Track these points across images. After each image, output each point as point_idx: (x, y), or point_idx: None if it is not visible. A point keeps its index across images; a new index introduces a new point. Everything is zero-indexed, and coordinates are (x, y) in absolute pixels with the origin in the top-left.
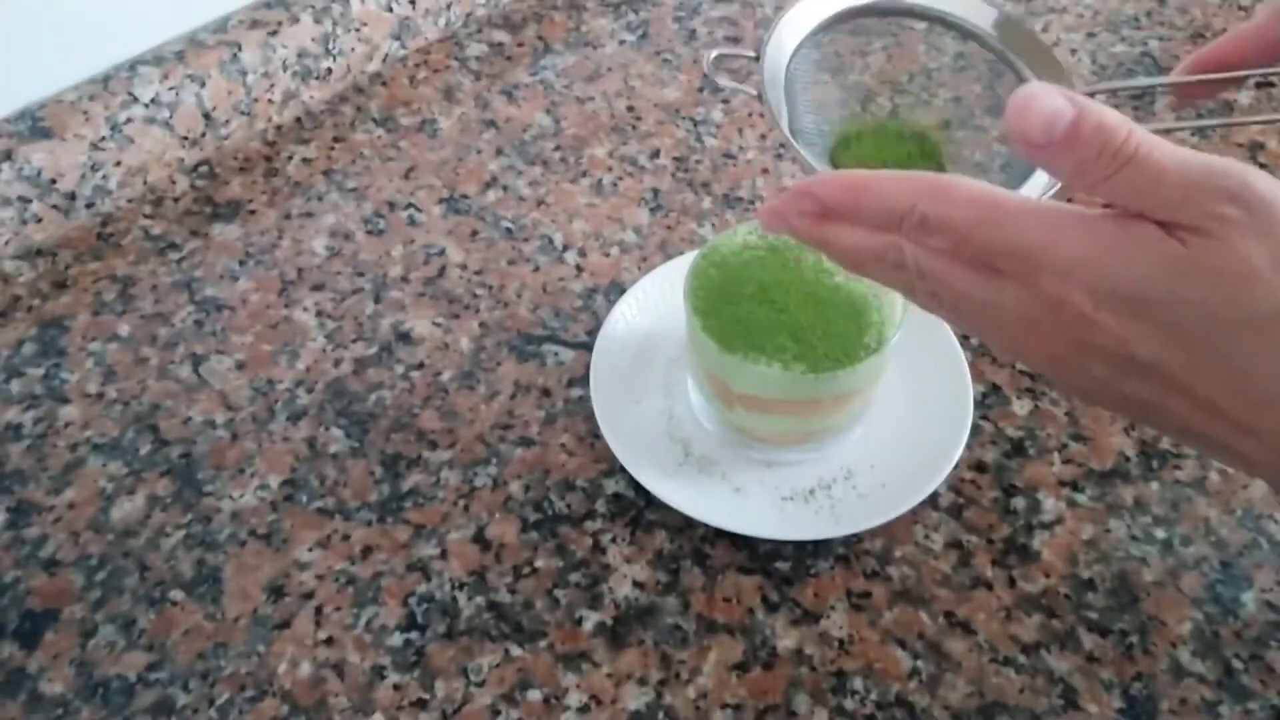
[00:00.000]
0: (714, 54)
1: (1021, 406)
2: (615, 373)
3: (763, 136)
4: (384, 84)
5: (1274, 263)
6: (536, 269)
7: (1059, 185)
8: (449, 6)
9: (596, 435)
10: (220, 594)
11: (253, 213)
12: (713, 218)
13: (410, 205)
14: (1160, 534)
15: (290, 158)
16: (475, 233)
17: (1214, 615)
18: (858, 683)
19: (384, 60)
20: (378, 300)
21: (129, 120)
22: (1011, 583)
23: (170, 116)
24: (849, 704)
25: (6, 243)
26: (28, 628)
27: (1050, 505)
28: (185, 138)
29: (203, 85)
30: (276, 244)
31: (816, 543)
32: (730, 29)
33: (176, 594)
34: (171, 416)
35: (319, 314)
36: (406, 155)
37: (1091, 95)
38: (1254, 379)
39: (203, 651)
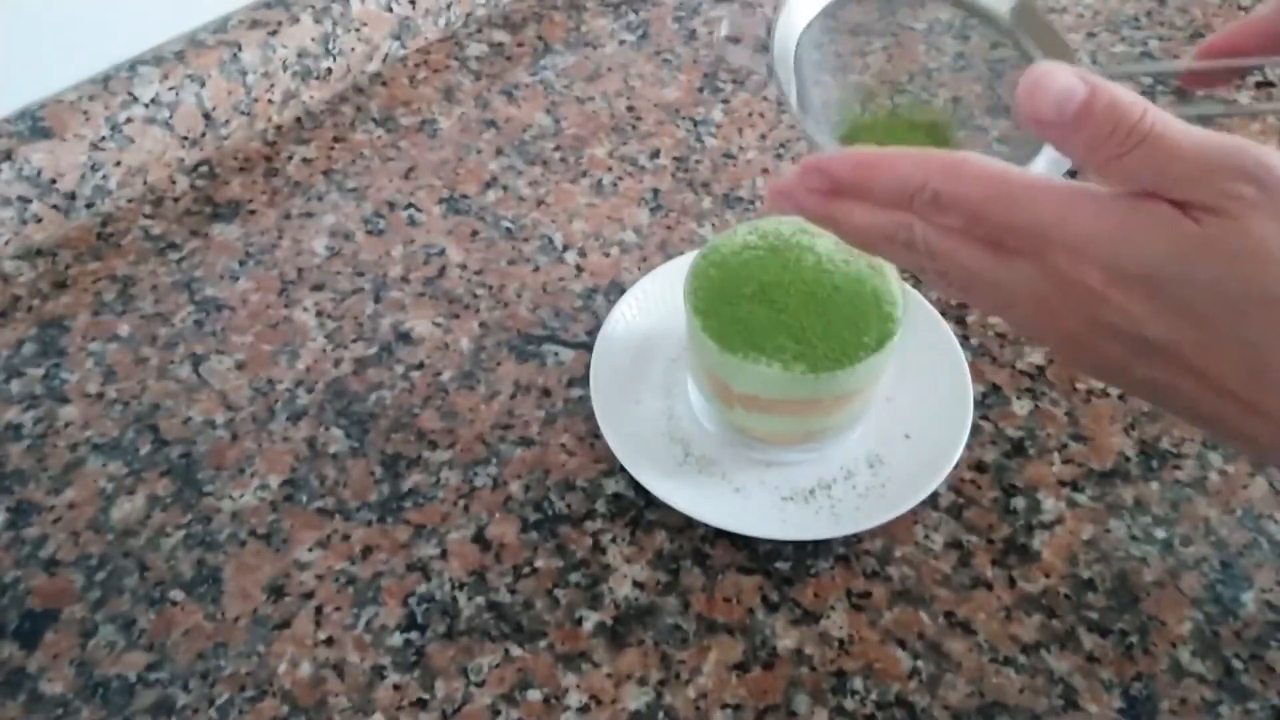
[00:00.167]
0: (724, 31)
1: (1021, 406)
2: (615, 373)
3: (763, 136)
4: (384, 84)
5: None
6: (536, 269)
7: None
8: (449, 6)
9: (596, 435)
10: (220, 594)
11: (253, 213)
12: (713, 218)
13: (410, 205)
14: (1160, 534)
15: (290, 158)
16: (475, 233)
17: (1214, 615)
18: (858, 683)
19: (384, 60)
20: (378, 300)
21: (129, 120)
22: (1011, 583)
23: (170, 116)
24: (849, 704)
25: (6, 243)
26: (28, 628)
27: (1050, 505)
28: (185, 138)
29: (203, 85)
30: (276, 244)
31: (816, 543)
32: (731, 29)
33: (176, 594)
34: (171, 416)
35: (319, 314)
36: (406, 155)
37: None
38: (1266, 360)
39: (203, 651)
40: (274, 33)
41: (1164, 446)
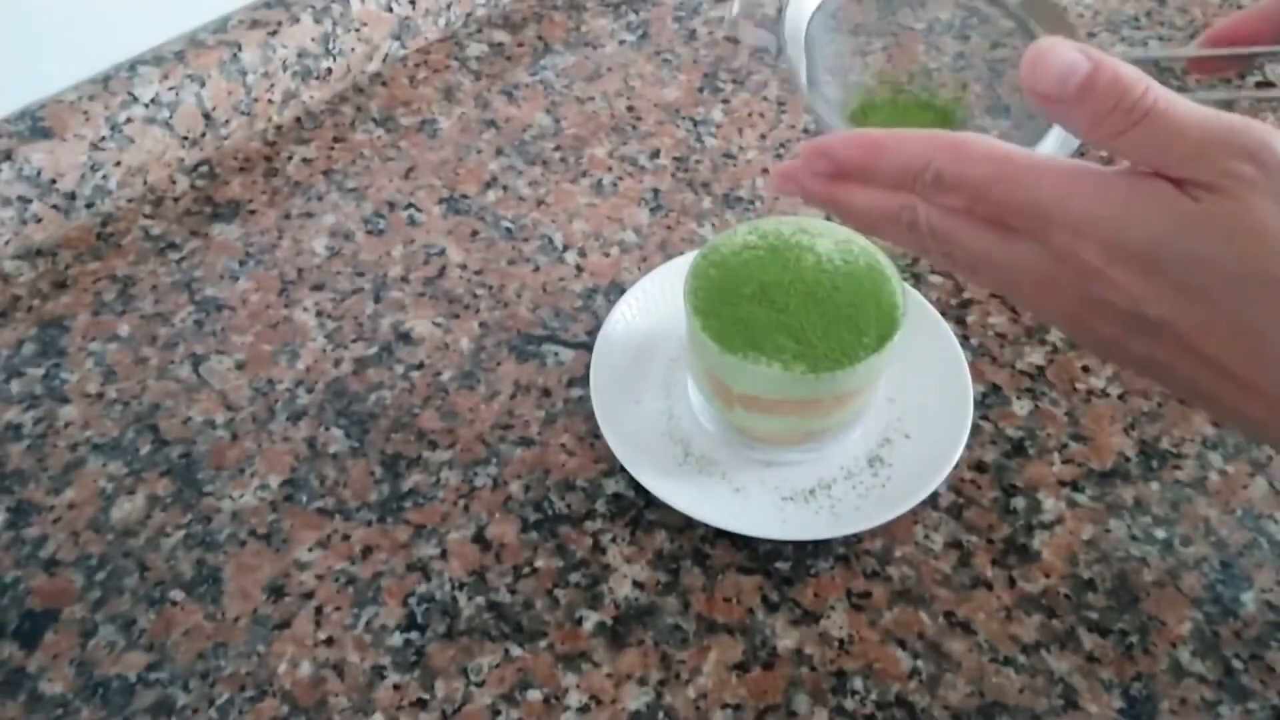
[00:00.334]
0: (736, 9)
1: (1021, 406)
2: (615, 373)
3: (763, 136)
4: (384, 84)
5: None
6: (536, 269)
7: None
8: (449, 6)
9: (596, 435)
10: (220, 594)
11: (253, 213)
12: (713, 218)
13: (410, 205)
14: (1160, 534)
15: (290, 158)
16: (475, 233)
17: (1214, 615)
18: (858, 683)
19: (384, 60)
20: (378, 300)
21: (129, 120)
22: (1011, 583)
23: (170, 116)
24: (849, 704)
25: (6, 243)
26: (28, 628)
27: (1050, 505)
28: (185, 138)
29: (203, 85)
30: (276, 244)
31: (816, 543)
32: (730, 29)
33: (176, 594)
34: (171, 416)
35: (319, 314)
36: (406, 155)
37: None
38: (1264, 338)
39: (203, 651)
40: (274, 33)
41: (1164, 446)
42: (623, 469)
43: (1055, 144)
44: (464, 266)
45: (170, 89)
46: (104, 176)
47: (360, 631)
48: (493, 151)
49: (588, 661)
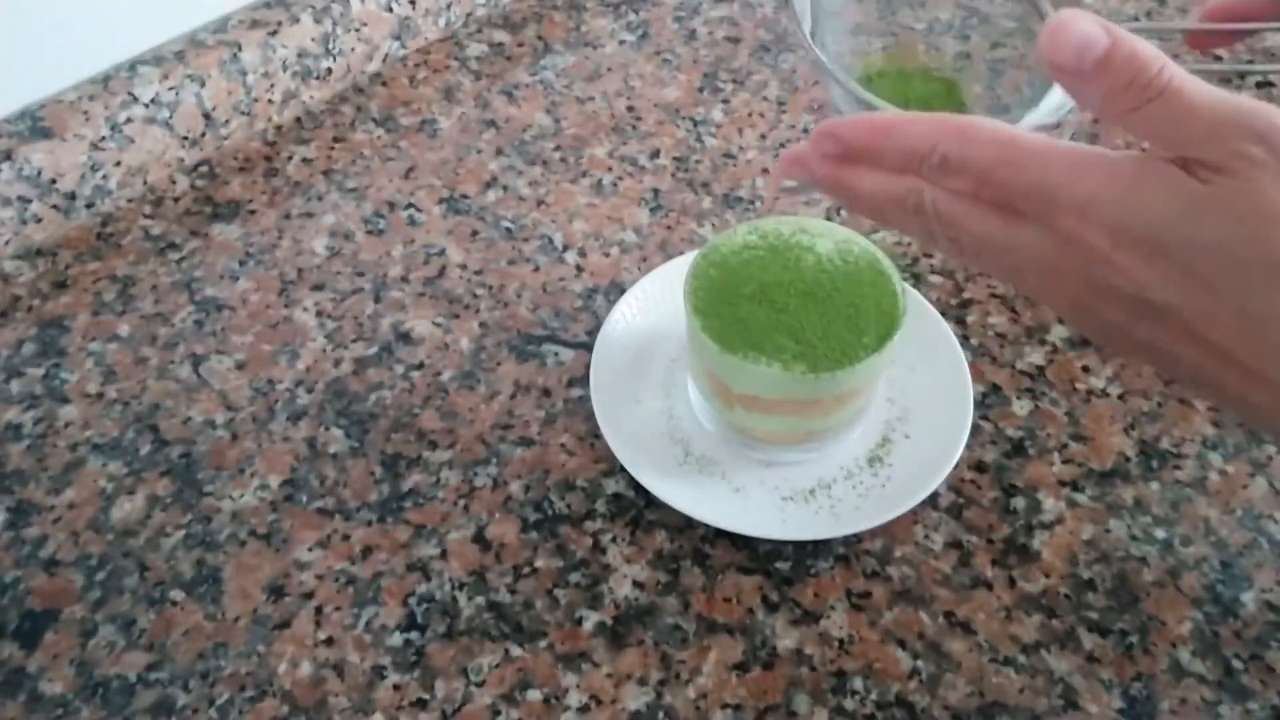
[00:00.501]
0: None
1: (1021, 406)
2: (615, 373)
3: (763, 136)
4: (384, 84)
5: None
6: (536, 269)
7: (1067, 112)
8: (449, 6)
9: (596, 435)
10: (220, 594)
11: (253, 213)
12: (713, 218)
13: (410, 205)
14: (1160, 534)
15: (290, 158)
16: (475, 233)
17: (1214, 615)
18: (858, 683)
19: (384, 60)
20: (378, 300)
21: (129, 120)
22: (1011, 583)
23: (170, 116)
24: (849, 704)
25: (6, 243)
26: (28, 628)
27: (1050, 505)
28: (185, 138)
29: (203, 85)
30: (276, 244)
31: (816, 543)
32: (730, 29)
33: (176, 594)
34: (171, 416)
35: (319, 314)
36: (406, 155)
37: None
38: (1268, 324)
39: (203, 651)
40: (274, 33)
41: (1164, 446)
42: (623, 469)
43: (1051, 107)
44: (464, 266)
45: (170, 89)
46: (104, 176)
47: (360, 631)
48: (493, 151)
49: (588, 661)
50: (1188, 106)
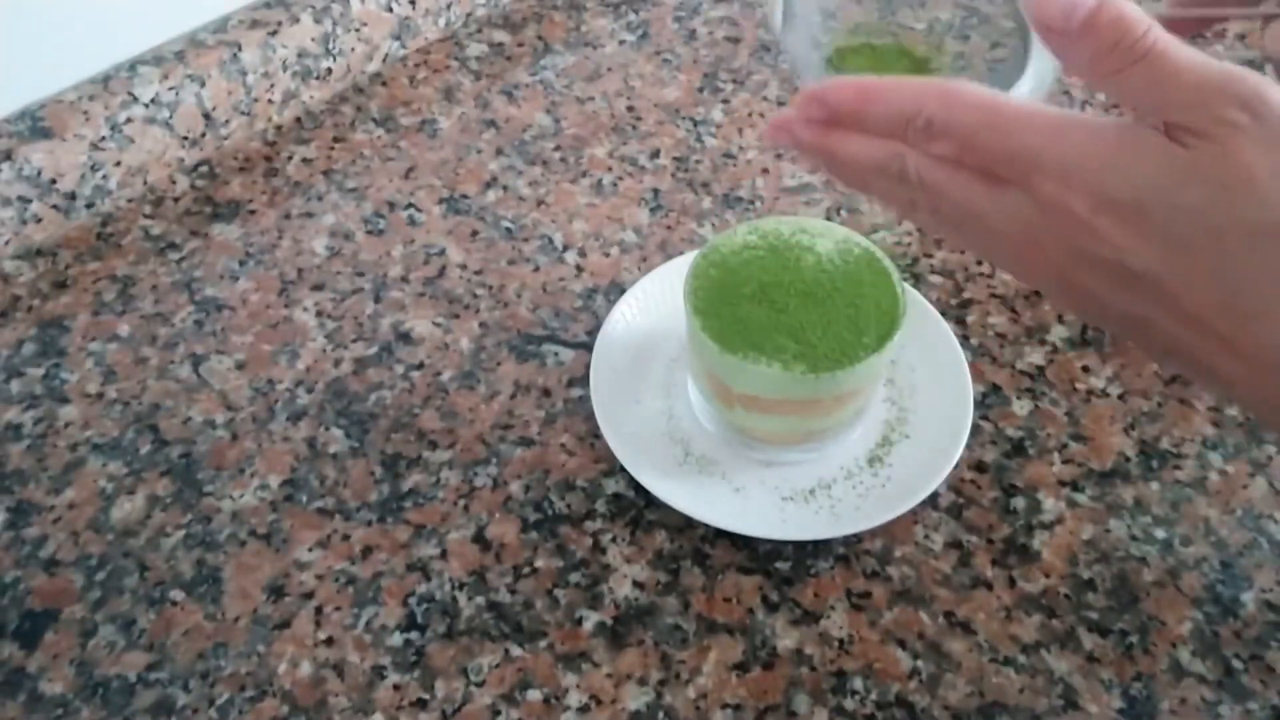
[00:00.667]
0: None
1: (1021, 406)
2: (615, 373)
3: (762, 136)
4: (384, 84)
5: (1274, 175)
6: (536, 269)
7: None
8: (449, 6)
9: (596, 435)
10: (220, 594)
11: (253, 213)
12: (713, 218)
13: (410, 205)
14: (1160, 534)
15: (290, 158)
16: (475, 233)
17: (1214, 615)
18: (858, 683)
19: (384, 60)
20: (378, 300)
21: (129, 120)
22: (1011, 583)
23: (170, 116)
24: (849, 704)
25: (6, 243)
26: (28, 628)
27: (1050, 505)
28: (185, 138)
29: (203, 85)
30: (276, 244)
31: (816, 543)
32: (730, 29)
33: (176, 594)
34: (171, 416)
35: (319, 314)
36: (406, 155)
37: None
38: (1243, 290)
39: (203, 651)
40: (274, 33)
41: (1164, 446)
42: (623, 469)
43: (1029, 87)
44: (464, 266)
45: (170, 89)
46: (104, 176)
47: (360, 631)
48: (493, 151)
49: (588, 661)
50: (1172, 70)
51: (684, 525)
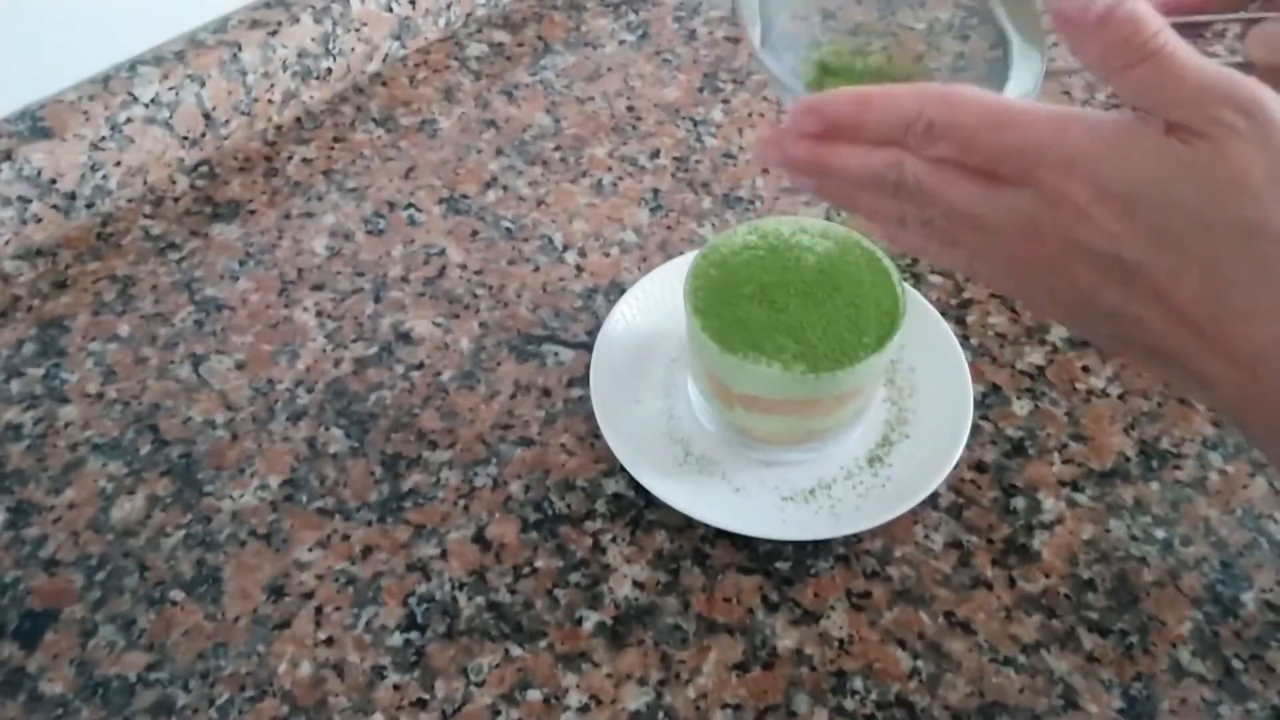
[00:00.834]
0: None
1: (1021, 406)
2: (615, 373)
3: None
4: (384, 84)
5: (1268, 177)
6: (536, 269)
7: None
8: (449, 6)
9: (596, 435)
10: (220, 594)
11: (253, 213)
12: (713, 218)
13: (410, 205)
14: (1160, 534)
15: (290, 158)
16: (475, 233)
17: (1214, 615)
18: (858, 683)
19: (384, 60)
20: (378, 300)
21: (129, 120)
22: (1011, 583)
23: (170, 116)
24: (849, 704)
25: (6, 243)
26: (28, 628)
27: (1050, 505)
28: (185, 138)
29: (203, 85)
30: (276, 244)
31: (816, 543)
32: (730, 29)
33: (176, 594)
34: (171, 416)
35: (319, 314)
36: (406, 155)
37: None
38: (1230, 289)
39: (203, 651)
40: (274, 33)
41: (1164, 446)
42: (623, 469)
43: (1015, 91)
44: (464, 266)
45: (170, 89)
46: (104, 176)
47: (360, 631)
48: (493, 151)
49: (588, 661)
50: (1178, 70)
51: (684, 525)
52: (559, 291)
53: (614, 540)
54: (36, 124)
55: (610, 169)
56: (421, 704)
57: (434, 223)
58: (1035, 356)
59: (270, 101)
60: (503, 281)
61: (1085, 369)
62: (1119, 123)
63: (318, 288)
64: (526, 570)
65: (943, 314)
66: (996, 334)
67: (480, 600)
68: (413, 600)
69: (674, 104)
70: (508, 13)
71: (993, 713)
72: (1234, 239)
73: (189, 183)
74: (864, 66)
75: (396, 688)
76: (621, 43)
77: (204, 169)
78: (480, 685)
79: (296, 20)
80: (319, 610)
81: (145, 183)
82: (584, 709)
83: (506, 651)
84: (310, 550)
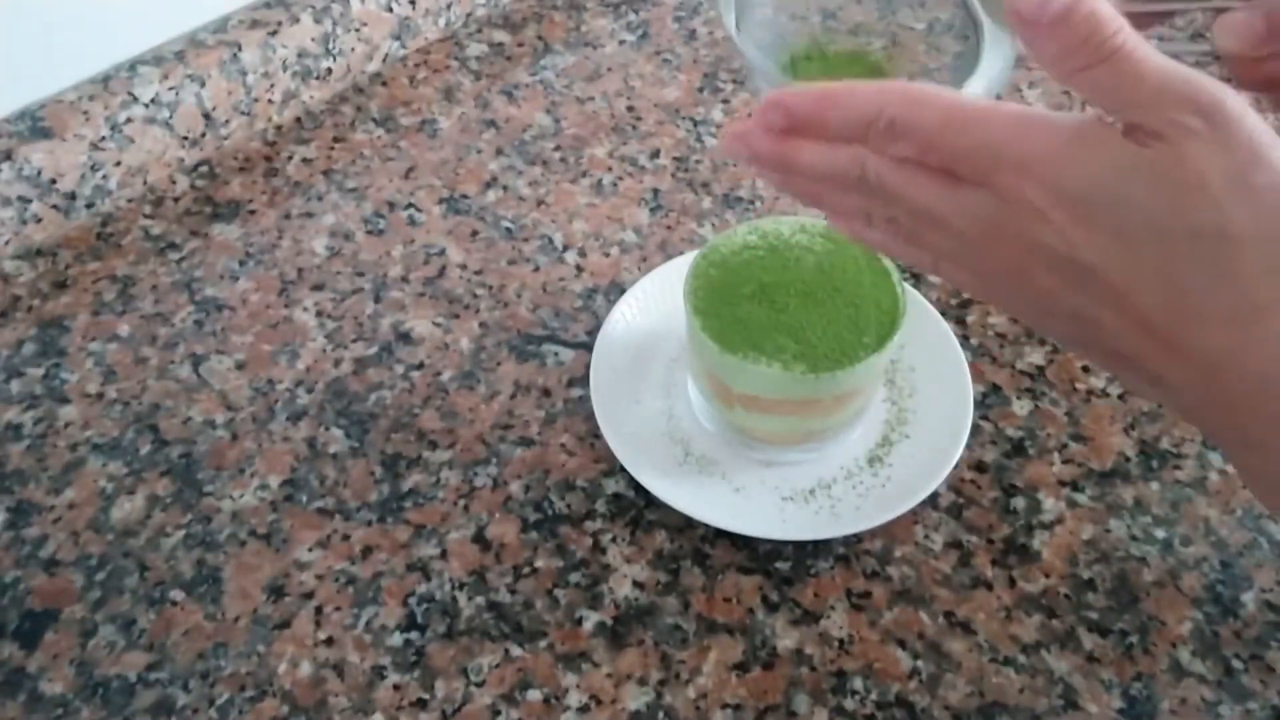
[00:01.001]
0: None
1: (1021, 406)
2: (615, 373)
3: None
4: (384, 84)
5: (1226, 180)
6: (536, 269)
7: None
8: (449, 6)
9: (596, 435)
10: (220, 594)
11: (253, 213)
12: (713, 218)
13: (410, 205)
14: (1160, 534)
15: (290, 158)
16: (475, 233)
17: (1214, 615)
18: (858, 683)
19: (384, 60)
20: (378, 300)
21: (129, 120)
22: (1011, 583)
23: (170, 116)
24: (849, 704)
25: (6, 243)
26: (28, 628)
27: (1050, 505)
28: (185, 138)
29: (203, 85)
30: (276, 244)
31: (816, 543)
32: None
33: (176, 594)
34: (171, 416)
35: (319, 314)
36: (406, 155)
37: None
38: (1187, 293)
39: (203, 651)
40: (274, 33)
41: (1164, 446)
42: (623, 469)
43: (981, 88)
44: (464, 266)
45: (170, 89)
46: (104, 176)
47: (360, 631)
48: (493, 151)
49: (588, 661)
50: (1137, 71)
51: (684, 525)
52: (559, 291)
53: (614, 540)
54: (36, 124)
55: (610, 169)
56: (421, 704)
57: (434, 223)
58: (1035, 356)
59: (270, 101)
60: (503, 281)
61: (1085, 369)
62: (1079, 124)
63: (318, 288)
64: (526, 570)
65: (943, 314)
66: (996, 334)
67: (480, 600)
68: (413, 600)
69: (674, 104)
70: (508, 13)
71: (993, 713)
72: (1191, 242)
73: (189, 183)
74: (837, 54)
75: (396, 688)
76: (621, 43)
77: (204, 169)
78: (480, 685)
79: (296, 20)
80: (319, 610)
81: (145, 183)
82: (584, 709)
83: (506, 651)
84: (310, 550)
